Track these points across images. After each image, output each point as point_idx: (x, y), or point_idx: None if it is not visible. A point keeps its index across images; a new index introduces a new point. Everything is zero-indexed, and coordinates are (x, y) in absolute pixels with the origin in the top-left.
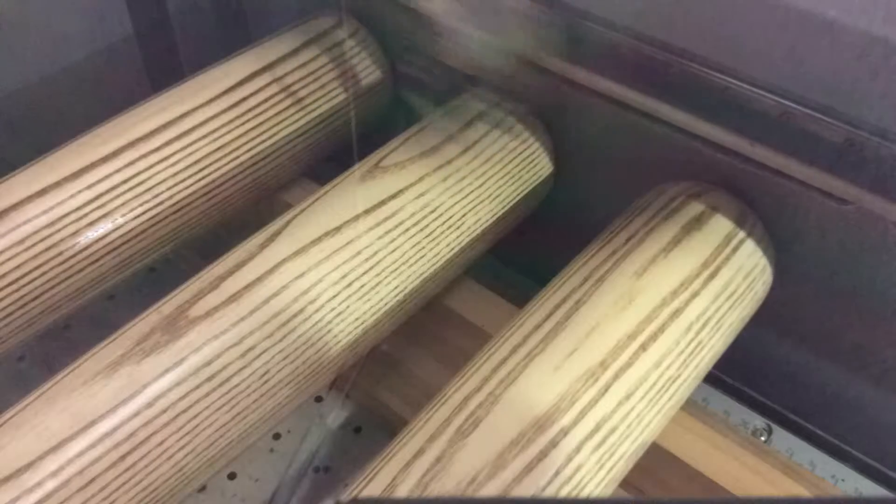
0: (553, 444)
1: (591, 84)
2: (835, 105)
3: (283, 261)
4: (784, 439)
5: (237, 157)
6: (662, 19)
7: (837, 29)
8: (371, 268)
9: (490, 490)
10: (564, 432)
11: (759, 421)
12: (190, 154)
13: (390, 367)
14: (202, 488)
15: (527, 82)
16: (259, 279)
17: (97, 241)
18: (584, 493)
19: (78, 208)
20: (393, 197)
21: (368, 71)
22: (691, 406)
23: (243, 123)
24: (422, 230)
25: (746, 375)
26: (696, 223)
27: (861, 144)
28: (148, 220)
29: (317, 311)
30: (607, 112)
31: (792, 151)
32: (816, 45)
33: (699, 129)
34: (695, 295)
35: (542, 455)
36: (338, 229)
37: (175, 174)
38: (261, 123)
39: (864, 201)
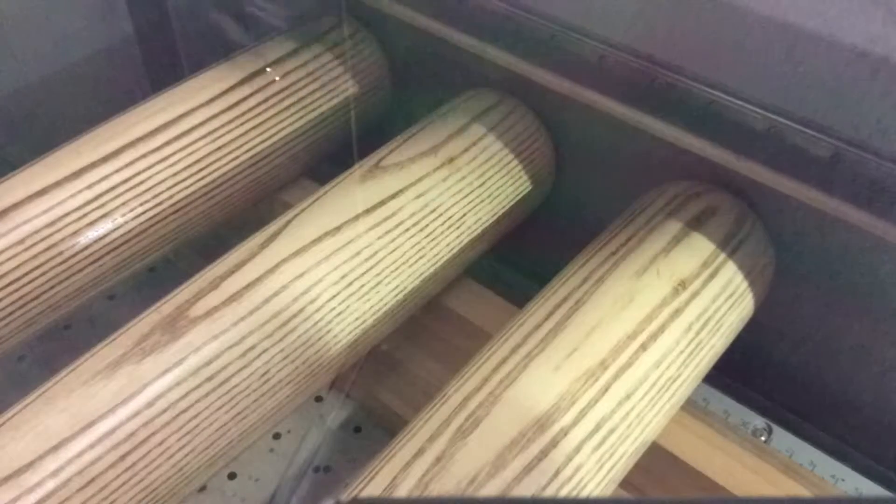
0: (553, 443)
1: (575, 95)
2: (834, 106)
3: (283, 261)
4: (784, 439)
5: (237, 157)
6: (651, 33)
7: (837, 29)
8: (371, 268)
9: (490, 490)
10: (564, 432)
11: (759, 421)
12: (190, 154)
13: (390, 367)
14: (202, 488)
15: None
16: (259, 279)
17: (97, 241)
18: (584, 493)
19: (78, 208)
20: (393, 197)
21: (368, 71)
22: (691, 406)
23: (243, 123)
24: (422, 230)
25: (746, 375)
26: (696, 223)
27: (848, 159)
28: (148, 220)
29: (317, 311)
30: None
31: (778, 166)
32: (815, 46)
33: (684, 142)
34: (695, 295)
35: (542, 455)
36: (338, 229)
37: (175, 174)
38: (261, 123)
39: (851, 217)
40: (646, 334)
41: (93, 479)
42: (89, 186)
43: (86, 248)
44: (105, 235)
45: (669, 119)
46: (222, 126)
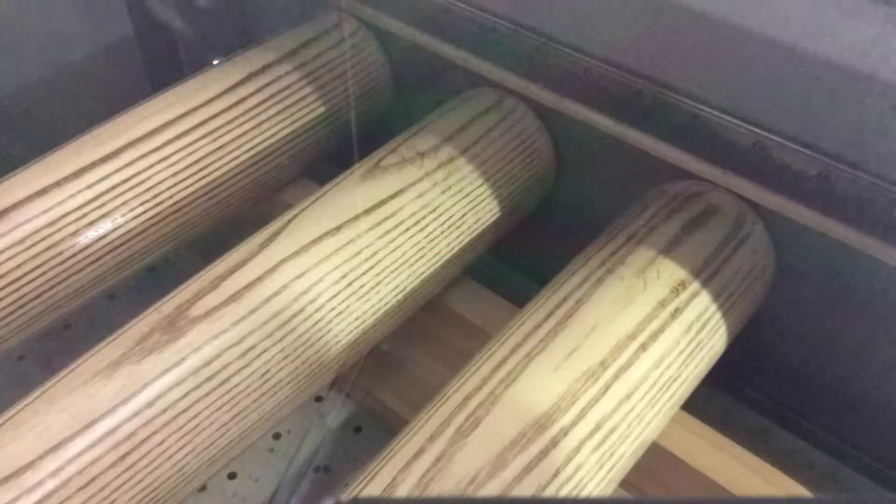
0: (553, 443)
1: (561, 107)
2: (833, 107)
3: (283, 261)
4: (784, 439)
5: (237, 157)
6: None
7: (839, 29)
8: (371, 268)
9: (490, 490)
10: (564, 432)
11: (759, 421)
12: (190, 154)
13: (390, 367)
14: (202, 488)
15: None
16: (259, 279)
17: (97, 240)
18: (584, 493)
19: (78, 208)
20: (393, 197)
21: (368, 71)
22: (691, 406)
23: (243, 123)
24: (422, 230)
25: (746, 375)
26: (696, 223)
27: (836, 176)
28: (148, 219)
29: (317, 311)
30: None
31: (765, 181)
32: (816, 46)
33: (671, 156)
34: (695, 295)
35: (543, 455)
36: (338, 229)
37: (175, 174)
38: (261, 123)
39: (839, 233)
40: (646, 334)
41: (93, 479)
42: (89, 186)
43: (86, 247)
44: (105, 235)
45: (656, 132)
46: (222, 126)
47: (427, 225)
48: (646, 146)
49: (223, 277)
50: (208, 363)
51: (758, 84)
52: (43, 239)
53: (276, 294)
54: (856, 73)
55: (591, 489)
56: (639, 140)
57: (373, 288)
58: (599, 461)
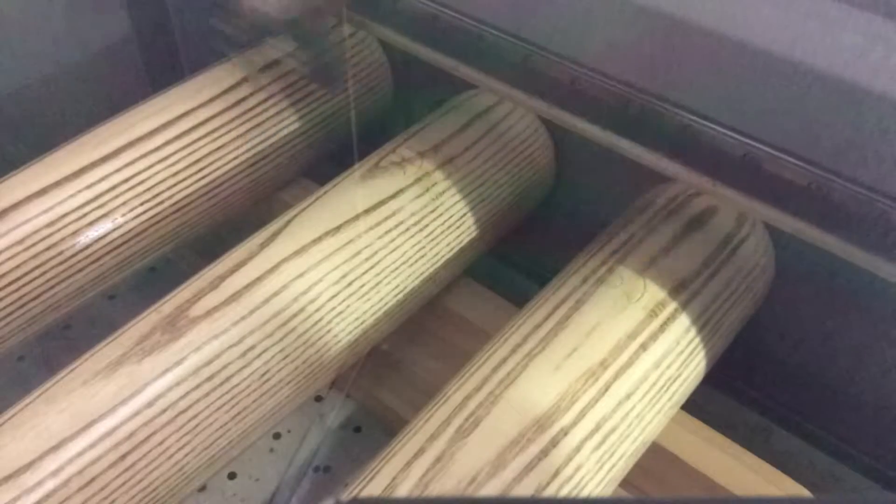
0: (553, 443)
1: (550, 116)
2: (834, 107)
3: (283, 260)
4: (784, 439)
5: (237, 157)
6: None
7: (838, 28)
8: (371, 268)
9: (490, 490)
10: (564, 432)
11: (759, 421)
12: (190, 154)
13: (390, 366)
14: (202, 488)
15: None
16: (259, 279)
17: (97, 240)
18: (584, 493)
19: (78, 208)
20: (393, 197)
21: (368, 71)
22: (691, 406)
23: (243, 123)
24: (422, 230)
25: (746, 375)
26: (696, 223)
27: (826, 188)
28: (148, 219)
29: (317, 310)
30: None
31: (755, 192)
32: (817, 44)
33: (661, 166)
34: (695, 295)
35: (543, 455)
36: (338, 229)
37: (175, 174)
38: (261, 123)
39: (832, 245)
40: (646, 334)
41: (93, 479)
42: (89, 186)
43: (86, 247)
44: (105, 235)
45: (646, 142)
46: (222, 126)
47: (427, 225)
48: (636, 156)
49: (223, 277)
50: (208, 363)
51: (750, 92)
52: (43, 239)
53: (276, 294)
54: (850, 80)
55: (591, 489)
56: (628, 150)
57: (373, 288)
58: (599, 461)
